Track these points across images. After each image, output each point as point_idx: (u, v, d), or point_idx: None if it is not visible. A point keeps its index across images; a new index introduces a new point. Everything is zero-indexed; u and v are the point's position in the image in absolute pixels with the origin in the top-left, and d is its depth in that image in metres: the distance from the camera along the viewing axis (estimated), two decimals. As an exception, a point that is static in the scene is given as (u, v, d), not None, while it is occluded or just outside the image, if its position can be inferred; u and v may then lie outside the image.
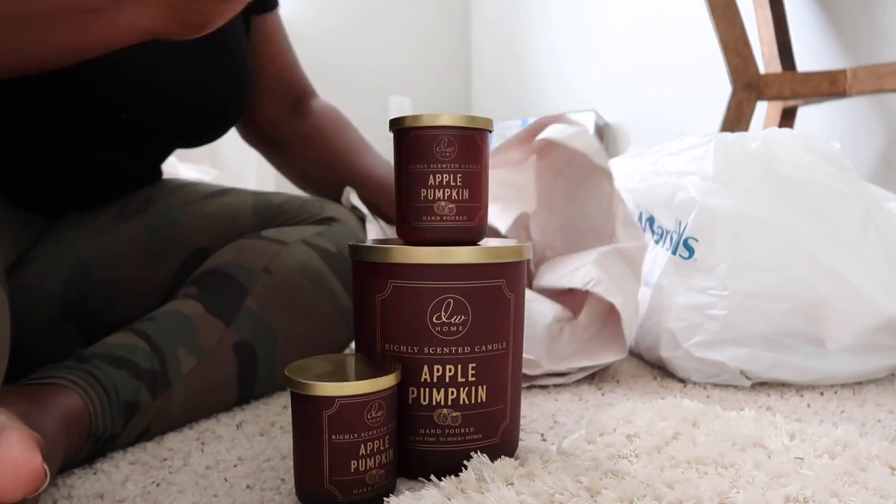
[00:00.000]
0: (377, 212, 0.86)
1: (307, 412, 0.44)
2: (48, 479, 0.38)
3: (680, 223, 0.80)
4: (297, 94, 0.91)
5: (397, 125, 0.49)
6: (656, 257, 0.83)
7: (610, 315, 0.77)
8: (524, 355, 0.68)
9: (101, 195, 0.76)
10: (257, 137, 0.92)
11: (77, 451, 0.51)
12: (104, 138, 0.69)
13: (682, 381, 0.78)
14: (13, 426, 0.38)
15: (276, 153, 0.92)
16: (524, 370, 0.72)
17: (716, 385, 0.76)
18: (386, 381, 0.44)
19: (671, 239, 0.81)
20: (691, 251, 0.77)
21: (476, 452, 0.49)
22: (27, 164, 0.68)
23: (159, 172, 0.84)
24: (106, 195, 0.77)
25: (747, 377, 0.74)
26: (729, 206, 0.76)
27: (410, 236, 0.50)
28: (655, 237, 0.84)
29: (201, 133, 0.77)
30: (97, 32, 0.49)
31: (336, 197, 0.86)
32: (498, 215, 0.89)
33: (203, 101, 0.72)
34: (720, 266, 0.75)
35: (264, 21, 0.85)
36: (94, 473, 0.52)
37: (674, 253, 0.79)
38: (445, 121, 0.48)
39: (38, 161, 0.68)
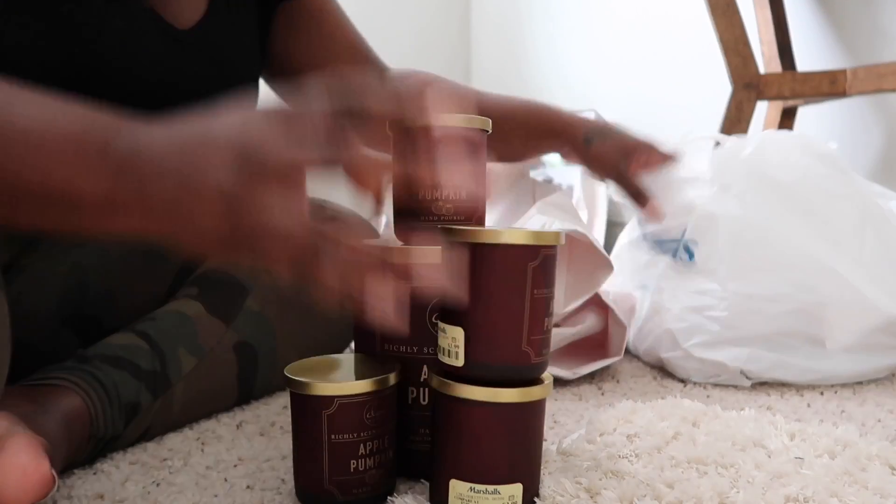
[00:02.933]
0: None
1: (307, 412, 0.44)
2: (56, 485, 0.38)
3: (680, 227, 0.80)
4: (377, 70, 0.82)
5: (395, 124, 0.49)
6: (658, 262, 0.83)
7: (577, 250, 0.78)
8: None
9: None
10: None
11: (78, 451, 0.51)
12: None
13: (682, 381, 0.78)
14: (19, 432, 0.38)
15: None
16: None
17: (716, 385, 0.76)
18: (385, 381, 0.44)
19: (672, 244, 0.81)
20: (691, 254, 0.78)
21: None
22: None
23: None
24: None
25: (747, 377, 0.74)
26: (728, 209, 0.76)
27: (409, 236, 0.50)
28: (650, 244, 0.85)
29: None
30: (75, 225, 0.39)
31: None
32: None
33: (182, 95, 0.70)
34: (720, 268, 0.75)
35: (300, 6, 0.77)
36: (94, 474, 0.52)
37: (674, 256, 0.79)
38: (444, 121, 0.48)
39: None
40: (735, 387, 0.75)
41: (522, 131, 0.80)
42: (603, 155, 0.78)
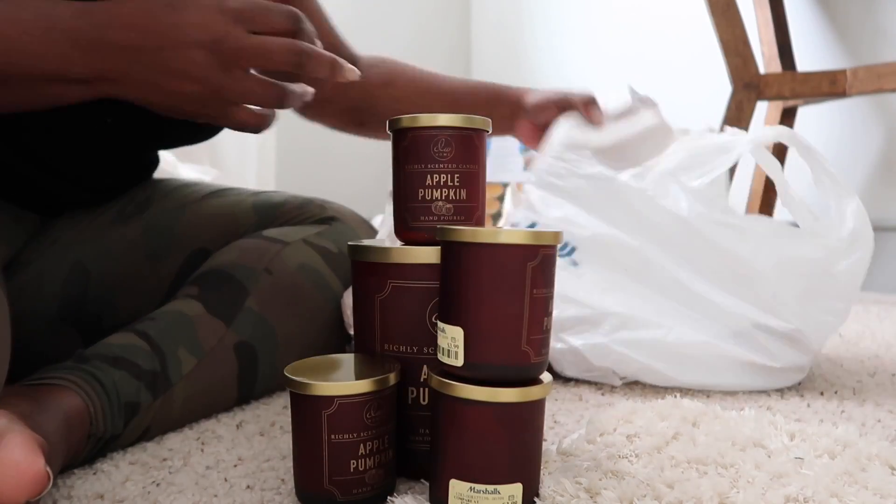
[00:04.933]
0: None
1: (306, 412, 0.44)
2: (51, 482, 0.38)
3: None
4: (348, 57, 0.87)
5: (395, 125, 0.50)
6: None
7: None
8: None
9: (96, 192, 0.76)
10: (331, 112, 0.89)
11: (77, 451, 0.51)
12: (93, 140, 0.68)
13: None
14: (15, 429, 0.38)
15: (354, 119, 0.88)
16: None
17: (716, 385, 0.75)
18: (385, 381, 0.44)
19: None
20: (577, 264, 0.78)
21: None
22: (19, 161, 0.67)
23: (152, 167, 0.83)
24: (100, 192, 0.76)
25: (619, 376, 0.75)
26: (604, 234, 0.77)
27: (409, 236, 0.50)
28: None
29: (187, 132, 0.75)
30: (65, 97, 0.51)
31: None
32: None
33: None
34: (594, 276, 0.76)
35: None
36: (94, 473, 0.52)
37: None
38: (443, 121, 0.48)
39: (30, 159, 0.67)
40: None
41: (482, 111, 0.83)
42: (543, 101, 0.83)
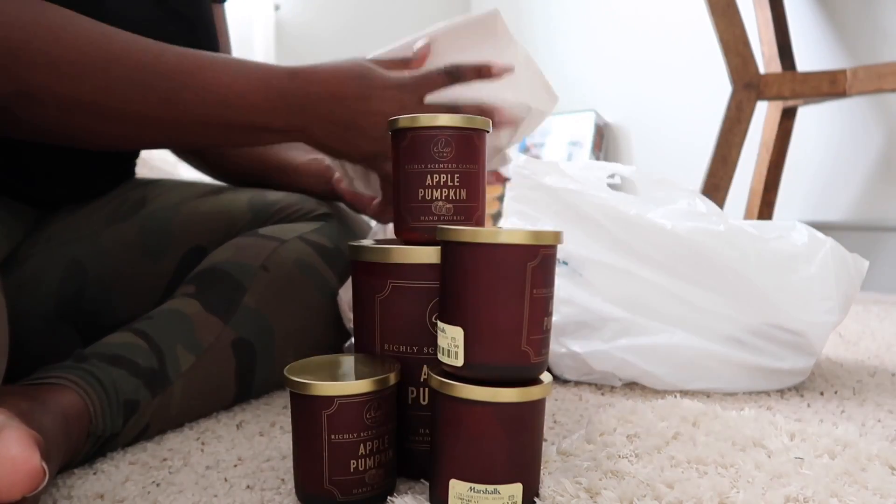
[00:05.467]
0: (310, 193, 0.84)
1: (306, 412, 0.44)
2: (47, 478, 0.38)
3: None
4: None
5: (395, 125, 0.49)
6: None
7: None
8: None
9: (92, 183, 0.76)
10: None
11: (77, 450, 0.51)
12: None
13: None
14: (12, 425, 0.38)
15: (195, 155, 0.90)
16: None
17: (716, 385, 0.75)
18: (385, 381, 0.44)
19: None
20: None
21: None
22: (14, 153, 0.67)
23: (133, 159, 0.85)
24: (97, 183, 0.76)
25: (619, 378, 0.75)
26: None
27: (408, 236, 0.50)
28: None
29: None
30: (259, 142, 0.61)
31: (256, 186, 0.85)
32: None
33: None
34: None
35: (216, 9, 0.85)
36: (94, 473, 0.52)
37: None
38: (443, 121, 0.48)
39: (26, 149, 0.67)
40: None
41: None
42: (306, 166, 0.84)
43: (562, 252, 0.76)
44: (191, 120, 0.57)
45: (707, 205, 0.78)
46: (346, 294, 0.74)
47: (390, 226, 0.80)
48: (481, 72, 0.63)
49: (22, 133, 0.57)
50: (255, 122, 0.58)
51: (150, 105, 0.55)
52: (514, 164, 0.79)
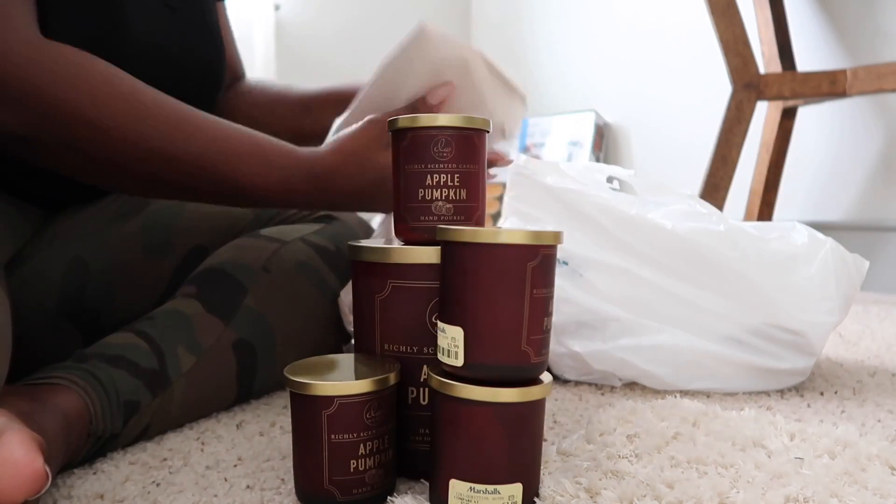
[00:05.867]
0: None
1: (306, 412, 0.44)
2: (50, 481, 0.38)
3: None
4: (237, 73, 0.92)
5: (395, 125, 0.49)
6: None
7: None
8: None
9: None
10: None
11: (77, 450, 0.51)
12: None
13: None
14: (14, 428, 0.38)
15: None
16: None
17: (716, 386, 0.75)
18: (385, 381, 0.44)
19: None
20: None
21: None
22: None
23: None
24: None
25: (618, 377, 0.75)
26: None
27: (409, 236, 0.50)
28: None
29: (196, 97, 0.76)
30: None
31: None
32: None
33: (195, 62, 0.73)
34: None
35: (218, 8, 0.87)
36: (94, 473, 0.52)
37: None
38: (443, 121, 0.48)
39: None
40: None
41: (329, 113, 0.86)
42: None
43: (562, 252, 0.75)
44: (208, 193, 0.61)
45: (705, 206, 0.78)
46: (346, 296, 0.74)
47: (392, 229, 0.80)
48: (426, 105, 0.66)
49: (51, 167, 0.60)
50: (270, 205, 0.64)
51: (172, 177, 0.59)
52: (515, 164, 0.79)
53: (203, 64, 0.74)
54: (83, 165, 0.58)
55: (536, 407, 0.42)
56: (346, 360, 0.50)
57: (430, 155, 0.48)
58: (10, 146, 0.57)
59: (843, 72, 1.36)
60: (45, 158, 0.58)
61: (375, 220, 1.05)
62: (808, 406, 0.68)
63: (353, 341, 0.68)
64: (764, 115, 1.73)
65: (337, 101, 0.86)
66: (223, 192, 0.61)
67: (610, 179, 0.82)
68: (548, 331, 0.43)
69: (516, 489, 0.41)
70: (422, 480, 0.49)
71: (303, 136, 0.87)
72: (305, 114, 0.88)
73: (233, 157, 0.59)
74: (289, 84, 0.93)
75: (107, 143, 0.56)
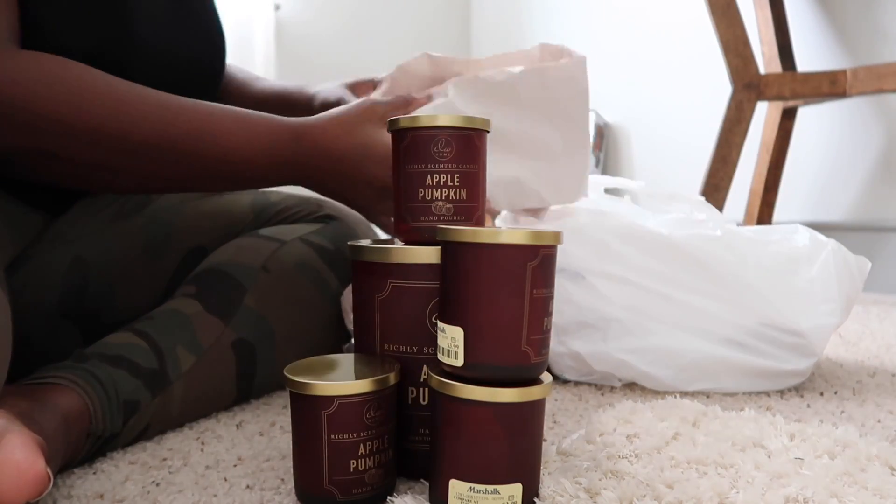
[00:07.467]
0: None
1: (306, 412, 0.44)
2: (52, 483, 0.38)
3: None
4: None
5: (395, 125, 0.49)
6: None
7: None
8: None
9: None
10: None
11: (77, 450, 0.51)
12: None
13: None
14: (15, 430, 0.38)
15: None
16: None
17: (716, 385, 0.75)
18: (385, 381, 0.44)
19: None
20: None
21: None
22: None
23: None
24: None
25: (618, 378, 0.74)
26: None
27: (409, 236, 0.50)
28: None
29: (197, 96, 0.77)
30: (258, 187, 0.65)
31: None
32: None
33: (197, 63, 0.73)
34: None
35: None
36: (94, 473, 0.52)
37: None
38: (443, 121, 0.48)
39: None
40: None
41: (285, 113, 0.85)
42: (325, 98, 0.85)
43: (561, 263, 0.76)
44: (199, 177, 0.61)
45: (711, 212, 0.79)
46: (348, 296, 0.74)
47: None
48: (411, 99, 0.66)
49: (39, 179, 0.60)
50: (260, 180, 0.63)
51: (161, 166, 0.59)
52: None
53: (205, 65, 0.74)
54: (70, 171, 0.58)
55: (536, 407, 0.42)
56: (346, 359, 0.50)
57: (431, 155, 0.48)
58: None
59: (844, 72, 1.36)
60: (30, 171, 0.58)
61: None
62: (808, 406, 0.68)
63: (353, 341, 0.68)
64: (764, 115, 1.74)
65: (286, 103, 0.86)
66: (211, 170, 0.60)
67: (623, 194, 0.83)
68: (548, 331, 0.43)
69: (516, 489, 0.41)
70: (422, 480, 0.49)
71: None
72: (260, 109, 0.88)
73: (218, 132, 0.59)
74: (253, 76, 0.93)
75: (92, 145, 0.55)
